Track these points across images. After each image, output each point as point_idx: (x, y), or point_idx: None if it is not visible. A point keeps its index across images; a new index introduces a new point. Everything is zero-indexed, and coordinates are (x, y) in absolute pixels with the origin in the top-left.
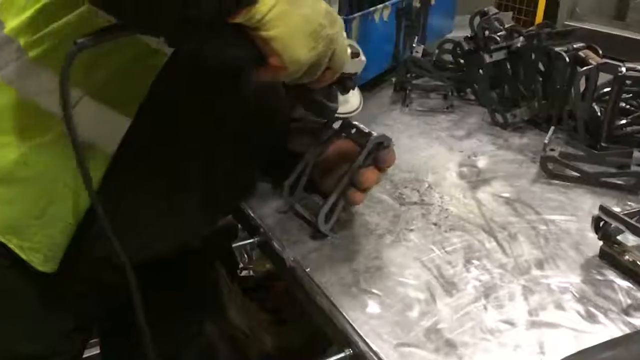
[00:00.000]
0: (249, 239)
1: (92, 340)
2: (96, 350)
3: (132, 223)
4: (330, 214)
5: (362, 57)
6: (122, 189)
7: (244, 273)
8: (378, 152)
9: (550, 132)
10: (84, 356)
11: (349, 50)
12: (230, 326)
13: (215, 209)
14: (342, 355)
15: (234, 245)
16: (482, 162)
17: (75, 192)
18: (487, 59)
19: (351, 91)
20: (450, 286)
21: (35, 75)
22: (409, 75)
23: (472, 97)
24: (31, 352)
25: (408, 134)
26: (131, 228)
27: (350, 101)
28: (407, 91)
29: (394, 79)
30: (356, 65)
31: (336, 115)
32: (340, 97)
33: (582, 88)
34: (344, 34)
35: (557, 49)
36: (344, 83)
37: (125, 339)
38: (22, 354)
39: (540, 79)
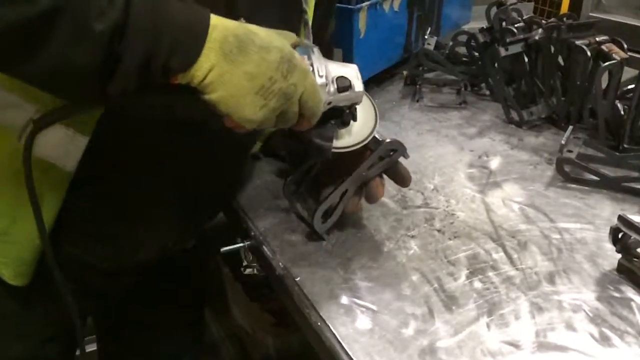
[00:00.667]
0: (239, 243)
1: (89, 337)
2: (93, 347)
3: (102, 234)
4: (328, 215)
5: (357, 88)
6: (88, 203)
7: (248, 271)
8: (394, 166)
9: (568, 132)
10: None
11: (332, 87)
12: (234, 325)
13: (192, 218)
14: None
15: (222, 250)
16: (493, 163)
17: (44, 212)
18: (503, 52)
19: (353, 122)
20: (450, 301)
21: None
22: (420, 68)
23: (487, 93)
24: (11, 356)
25: (416, 132)
26: (102, 239)
27: (354, 132)
28: (418, 85)
29: (405, 72)
30: (349, 98)
31: (335, 150)
32: (343, 130)
33: (604, 85)
34: (318, 71)
35: (578, 42)
36: (342, 116)
37: (120, 335)
38: (5, 357)
39: (560, 74)
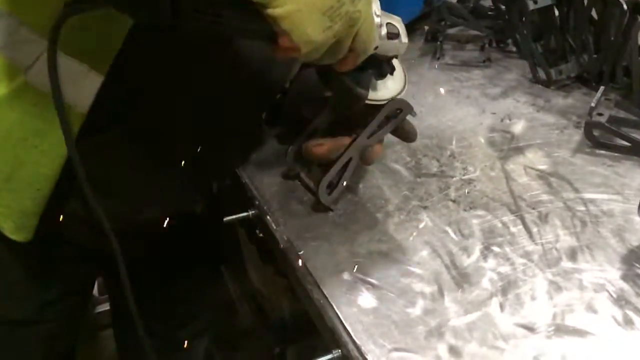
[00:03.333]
0: (243, 212)
1: (102, 297)
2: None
3: (112, 187)
4: (334, 184)
5: (403, 39)
6: (98, 151)
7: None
8: (401, 124)
9: (599, 93)
10: (97, 312)
11: (384, 30)
12: (250, 286)
13: (205, 173)
14: (330, 356)
15: (225, 219)
16: (517, 127)
17: (45, 155)
18: (531, 5)
19: (389, 75)
20: (462, 278)
21: None
22: (442, 23)
23: (514, 49)
24: (16, 316)
25: (434, 93)
26: (111, 193)
27: (389, 86)
28: (439, 42)
29: (426, 27)
30: (395, 48)
31: (368, 101)
32: (380, 81)
33: None
34: (375, 11)
35: None
36: (380, 67)
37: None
38: (6, 318)
39: (593, 29)
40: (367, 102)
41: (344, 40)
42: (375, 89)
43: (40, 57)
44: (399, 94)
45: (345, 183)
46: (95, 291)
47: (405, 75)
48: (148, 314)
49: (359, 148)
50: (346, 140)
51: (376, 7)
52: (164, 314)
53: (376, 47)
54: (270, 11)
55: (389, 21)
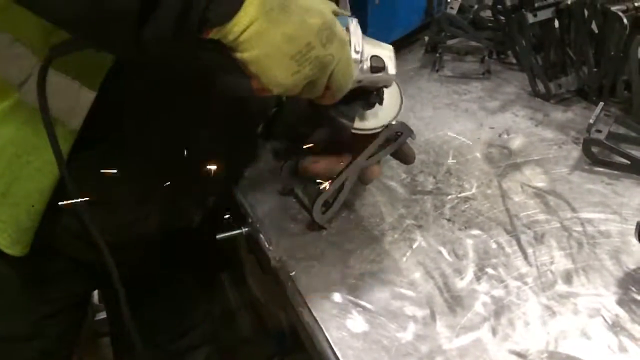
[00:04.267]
0: (237, 229)
1: (102, 304)
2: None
3: (107, 202)
4: (330, 203)
5: (390, 70)
6: (92, 166)
7: None
8: (400, 146)
9: (597, 110)
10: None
11: (366, 65)
12: (250, 295)
13: (199, 190)
14: None
15: (218, 236)
16: (515, 142)
17: (39, 171)
18: (531, 18)
19: (378, 105)
20: (455, 302)
21: None
22: (442, 34)
23: (514, 61)
24: (12, 332)
25: (433, 106)
26: (106, 207)
27: (379, 116)
28: (438, 54)
29: (426, 38)
30: (381, 80)
31: (355, 131)
32: (369, 111)
33: None
34: (355, 46)
35: (614, 8)
36: (368, 98)
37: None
38: (2, 333)
39: (593, 42)
40: (354, 131)
41: (317, 81)
42: (363, 118)
43: (33, 73)
44: (390, 122)
45: (340, 203)
46: (95, 299)
47: (401, 100)
48: (146, 326)
49: (356, 169)
50: (343, 158)
51: (356, 42)
52: (162, 325)
53: (360, 82)
54: (238, 55)
55: (374, 54)
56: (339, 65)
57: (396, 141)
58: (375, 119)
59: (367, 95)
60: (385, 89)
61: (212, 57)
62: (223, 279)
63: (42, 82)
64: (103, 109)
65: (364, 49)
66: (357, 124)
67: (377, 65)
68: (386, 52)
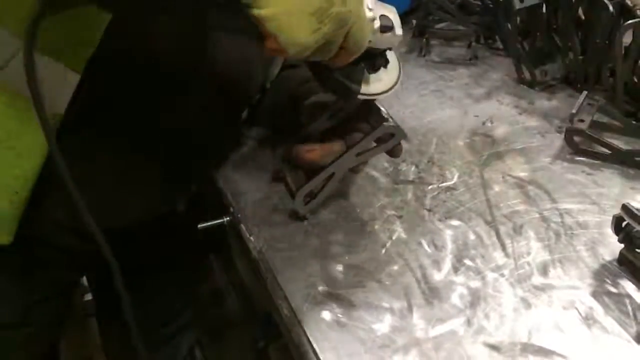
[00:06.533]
0: (219, 219)
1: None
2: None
3: (89, 188)
4: (314, 194)
5: (397, 31)
6: (75, 151)
7: None
8: (388, 146)
9: (581, 99)
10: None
11: (377, 24)
12: (238, 278)
13: (183, 176)
14: None
15: (200, 226)
16: (498, 131)
17: (21, 157)
18: (518, 4)
19: (383, 68)
20: (432, 294)
21: None
22: (430, 18)
23: (501, 46)
24: None
25: (418, 93)
26: (88, 193)
27: (383, 79)
28: (426, 39)
29: (414, 22)
30: (388, 40)
31: (361, 96)
32: (373, 75)
33: (626, 43)
34: (367, 4)
35: None
36: (373, 61)
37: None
38: None
39: (580, 29)
40: (360, 96)
41: (335, 40)
42: (368, 82)
43: (14, 57)
44: (393, 86)
45: (325, 195)
46: (84, 279)
47: (399, 65)
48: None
49: (345, 164)
50: (337, 146)
51: (369, 0)
52: (147, 310)
53: (369, 42)
54: (255, 12)
55: (382, 13)
56: (357, 24)
57: (387, 142)
58: (380, 82)
59: (373, 57)
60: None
61: (220, 16)
62: (212, 261)
63: (30, 44)
64: (87, 93)
65: (375, 7)
66: (363, 88)
67: (387, 25)
68: (392, 13)
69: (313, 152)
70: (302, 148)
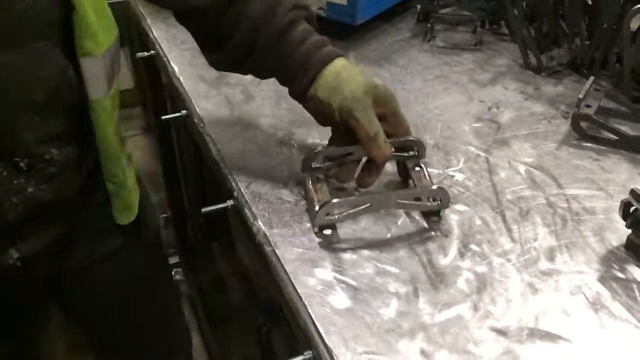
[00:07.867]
0: (222, 203)
1: None
2: None
3: None
4: (334, 213)
5: None
6: None
7: None
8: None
9: (587, 84)
10: None
11: None
12: (240, 264)
13: None
14: (301, 358)
15: (203, 210)
16: (504, 117)
17: None
18: None
19: None
20: (438, 279)
21: None
22: (435, 3)
23: (506, 32)
24: None
25: (423, 78)
26: None
27: None
28: (430, 23)
29: (418, 7)
30: None
31: None
32: None
33: (634, 28)
34: None
35: None
36: None
37: None
38: None
39: (587, 14)
40: None
41: None
42: None
43: None
44: None
45: (345, 219)
46: None
47: None
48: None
49: (383, 204)
50: (378, 172)
51: None
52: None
53: None
54: None
55: None
56: None
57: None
58: None
59: None
60: None
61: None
62: (213, 247)
63: None
64: None
65: None
66: None
67: None
68: None
69: (355, 178)
70: (345, 171)
